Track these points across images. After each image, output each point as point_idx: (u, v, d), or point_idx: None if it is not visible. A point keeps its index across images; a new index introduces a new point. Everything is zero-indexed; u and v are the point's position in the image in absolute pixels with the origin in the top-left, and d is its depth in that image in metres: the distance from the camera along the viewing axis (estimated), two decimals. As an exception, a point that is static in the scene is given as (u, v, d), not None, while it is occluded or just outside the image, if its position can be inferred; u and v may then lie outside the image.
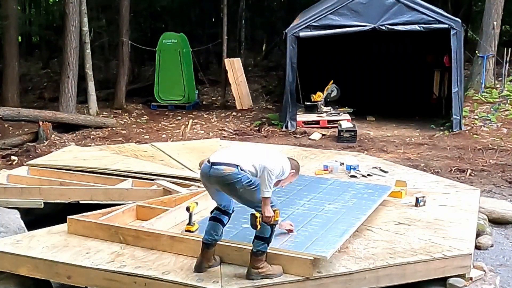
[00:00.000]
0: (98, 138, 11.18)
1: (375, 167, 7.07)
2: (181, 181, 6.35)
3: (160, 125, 12.90)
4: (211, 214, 4.23)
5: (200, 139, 10.25)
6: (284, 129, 11.42)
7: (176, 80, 14.58)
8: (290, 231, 4.49)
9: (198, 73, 16.50)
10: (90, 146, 9.80)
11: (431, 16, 11.06)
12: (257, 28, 21.75)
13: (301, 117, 11.89)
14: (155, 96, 14.79)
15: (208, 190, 4.23)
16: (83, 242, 4.62)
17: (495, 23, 13.33)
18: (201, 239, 4.16)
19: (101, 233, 4.68)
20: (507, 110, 12.00)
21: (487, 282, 4.50)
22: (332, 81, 12.57)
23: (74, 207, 5.62)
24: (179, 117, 13.75)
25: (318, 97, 12.38)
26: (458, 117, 11.02)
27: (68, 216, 4.87)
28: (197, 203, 4.88)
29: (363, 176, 6.71)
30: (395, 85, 14.51)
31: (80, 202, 5.99)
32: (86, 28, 13.19)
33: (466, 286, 4.41)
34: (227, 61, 14.77)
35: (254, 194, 3.97)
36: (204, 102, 15.63)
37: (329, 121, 11.61)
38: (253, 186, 3.95)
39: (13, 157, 9.33)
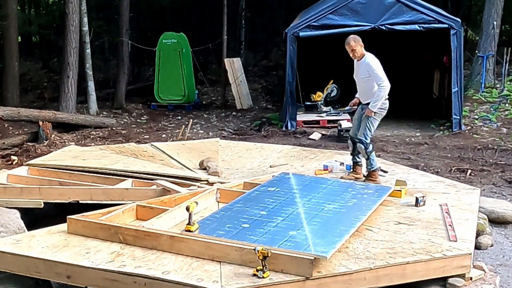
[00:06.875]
0: (98, 138, 11.16)
1: (375, 167, 7.06)
2: (181, 181, 6.35)
3: (160, 125, 12.90)
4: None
5: (200, 139, 10.25)
6: (284, 129, 11.42)
7: (176, 80, 14.58)
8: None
9: (198, 73, 16.49)
10: (90, 146, 9.79)
11: (431, 16, 11.05)
12: (257, 28, 21.74)
13: (301, 117, 11.89)
14: (155, 96, 14.79)
15: None
16: (83, 242, 4.62)
17: (495, 23, 13.32)
18: (201, 239, 4.14)
19: (101, 233, 4.67)
20: (507, 110, 11.99)
21: (487, 282, 4.50)
22: (332, 81, 12.57)
23: (74, 207, 5.61)
24: (179, 117, 13.75)
25: (318, 97, 12.39)
26: (458, 117, 11.02)
27: (68, 216, 4.86)
28: (197, 203, 4.89)
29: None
30: (395, 85, 14.40)
31: (80, 202, 5.98)
32: (86, 28, 13.19)
33: (466, 286, 4.41)
34: (227, 61, 14.77)
35: None
36: (204, 102, 15.63)
37: (329, 121, 11.62)
38: None
39: (13, 157, 9.30)
